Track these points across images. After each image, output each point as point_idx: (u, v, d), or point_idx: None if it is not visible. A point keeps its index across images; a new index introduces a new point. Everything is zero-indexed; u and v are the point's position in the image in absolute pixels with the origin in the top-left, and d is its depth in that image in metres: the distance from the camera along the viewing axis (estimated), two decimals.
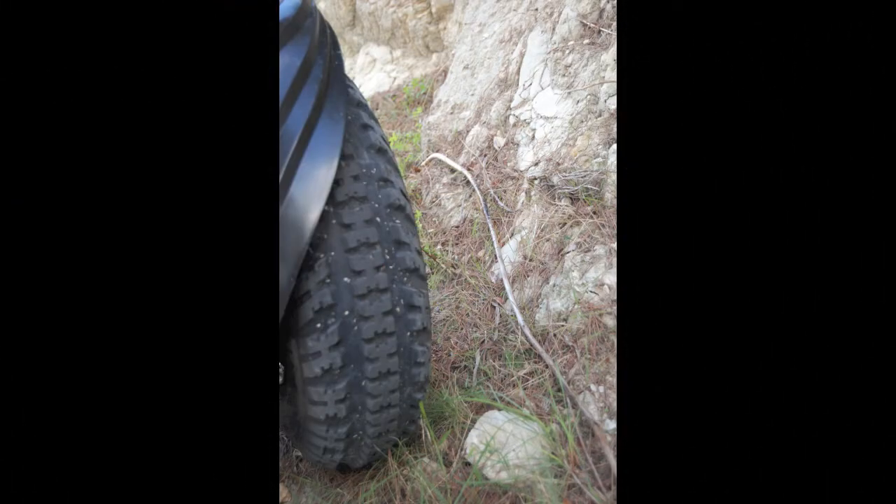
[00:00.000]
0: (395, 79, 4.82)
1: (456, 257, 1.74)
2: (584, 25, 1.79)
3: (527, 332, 1.25)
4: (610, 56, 1.58)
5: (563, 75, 1.78)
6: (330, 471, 1.11)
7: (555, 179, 1.50)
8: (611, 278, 1.18)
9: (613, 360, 1.03)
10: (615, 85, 1.51)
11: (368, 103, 1.47)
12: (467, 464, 0.96)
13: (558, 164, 1.55)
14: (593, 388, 1.00)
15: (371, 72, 5.13)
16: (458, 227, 1.88)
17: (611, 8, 1.74)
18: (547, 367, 1.14)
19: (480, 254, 1.69)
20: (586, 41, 1.76)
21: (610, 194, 1.36)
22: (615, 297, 1.14)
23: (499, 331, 1.34)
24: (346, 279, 0.76)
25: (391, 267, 0.80)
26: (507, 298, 1.42)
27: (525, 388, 1.10)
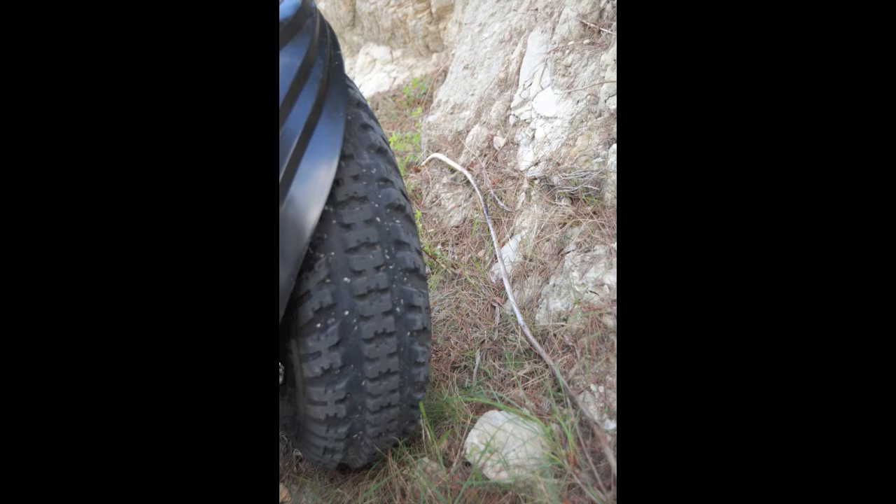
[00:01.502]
0: (395, 79, 4.82)
1: (456, 257, 1.74)
2: (584, 25, 1.79)
3: (527, 332, 1.25)
4: (610, 56, 1.58)
5: (563, 75, 1.78)
6: (330, 471, 1.11)
7: (555, 179, 1.50)
8: (611, 278, 1.18)
9: (613, 360, 1.03)
10: (615, 85, 1.51)
11: (368, 103, 1.46)
12: (467, 464, 0.96)
13: (558, 164, 1.55)
14: (593, 388, 1.00)
15: (371, 72, 5.13)
16: (458, 227, 1.88)
17: (611, 8, 1.74)
18: (547, 367, 1.14)
19: (480, 254, 1.69)
20: (586, 41, 1.76)
21: (610, 194, 1.36)
22: (615, 297, 1.14)
23: (499, 331, 1.34)
24: (346, 279, 0.76)
25: (391, 267, 0.80)
26: (507, 298, 1.42)
27: (525, 388, 1.10)
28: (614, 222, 1.30)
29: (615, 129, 1.46)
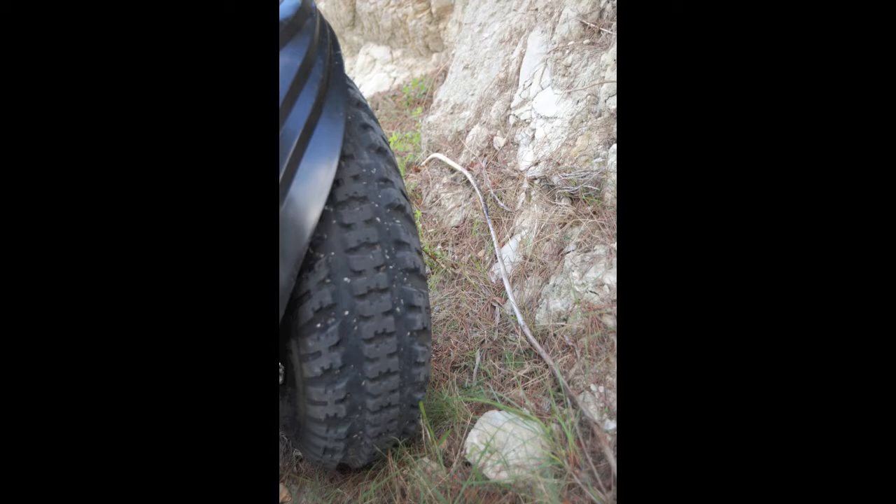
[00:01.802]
0: (395, 79, 4.82)
1: (456, 257, 1.74)
2: (584, 25, 1.79)
3: (527, 332, 1.25)
4: (610, 56, 1.58)
5: (563, 75, 1.78)
6: (330, 471, 1.11)
7: (555, 179, 1.50)
8: (611, 278, 1.18)
9: (613, 360, 1.03)
10: (615, 85, 1.51)
11: (368, 103, 1.46)
12: (467, 464, 0.96)
13: (558, 164, 1.55)
14: (593, 388, 1.00)
15: (371, 72, 5.13)
16: (458, 227, 1.88)
17: (611, 8, 1.74)
18: (547, 367, 1.14)
19: (480, 254, 1.69)
20: (586, 41, 1.76)
21: (610, 194, 1.36)
22: (615, 297, 1.14)
23: (499, 331, 1.34)
24: (346, 279, 0.76)
25: (391, 267, 0.80)
26: (507, 298, 1.42)
27: (525, 388, 1.10)
28: (614, 222, 1.30)
29: (615, 129, 1.46)
